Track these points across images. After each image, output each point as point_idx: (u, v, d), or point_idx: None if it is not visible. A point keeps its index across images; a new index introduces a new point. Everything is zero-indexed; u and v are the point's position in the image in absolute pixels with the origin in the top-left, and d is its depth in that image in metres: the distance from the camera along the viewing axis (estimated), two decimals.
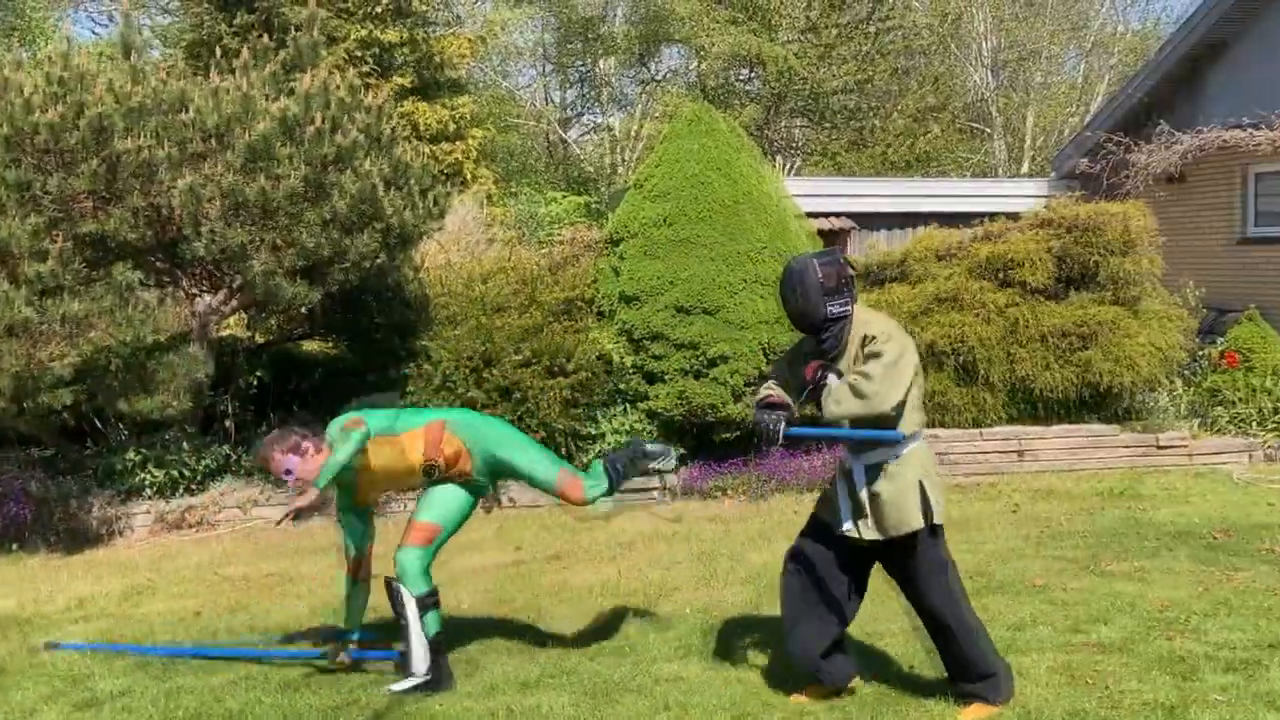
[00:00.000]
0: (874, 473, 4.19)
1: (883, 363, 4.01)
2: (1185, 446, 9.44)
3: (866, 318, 4.21)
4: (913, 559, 4.22)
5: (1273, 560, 6.26)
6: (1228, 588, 5.80)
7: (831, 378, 4.15)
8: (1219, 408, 9.93)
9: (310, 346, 9.86)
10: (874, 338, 4.08)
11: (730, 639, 5.20)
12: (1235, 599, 5.59)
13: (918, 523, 4.16)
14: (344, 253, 7.57)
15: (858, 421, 4.07)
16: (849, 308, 4.12)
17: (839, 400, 4.04)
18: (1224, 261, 13.06)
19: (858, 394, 4.00)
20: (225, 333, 9.31)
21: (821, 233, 11.08)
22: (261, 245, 7.34)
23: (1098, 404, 9.75)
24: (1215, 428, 9.79)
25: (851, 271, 4.14)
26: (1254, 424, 9.69)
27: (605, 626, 5.47)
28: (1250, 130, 12.24)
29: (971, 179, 23.52)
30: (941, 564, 4.27)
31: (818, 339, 4.17)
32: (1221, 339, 10.58)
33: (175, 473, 8.19)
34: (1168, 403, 9.89)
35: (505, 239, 10.85)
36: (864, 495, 4.20)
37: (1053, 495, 8.43)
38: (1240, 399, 9.88)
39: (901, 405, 4.06)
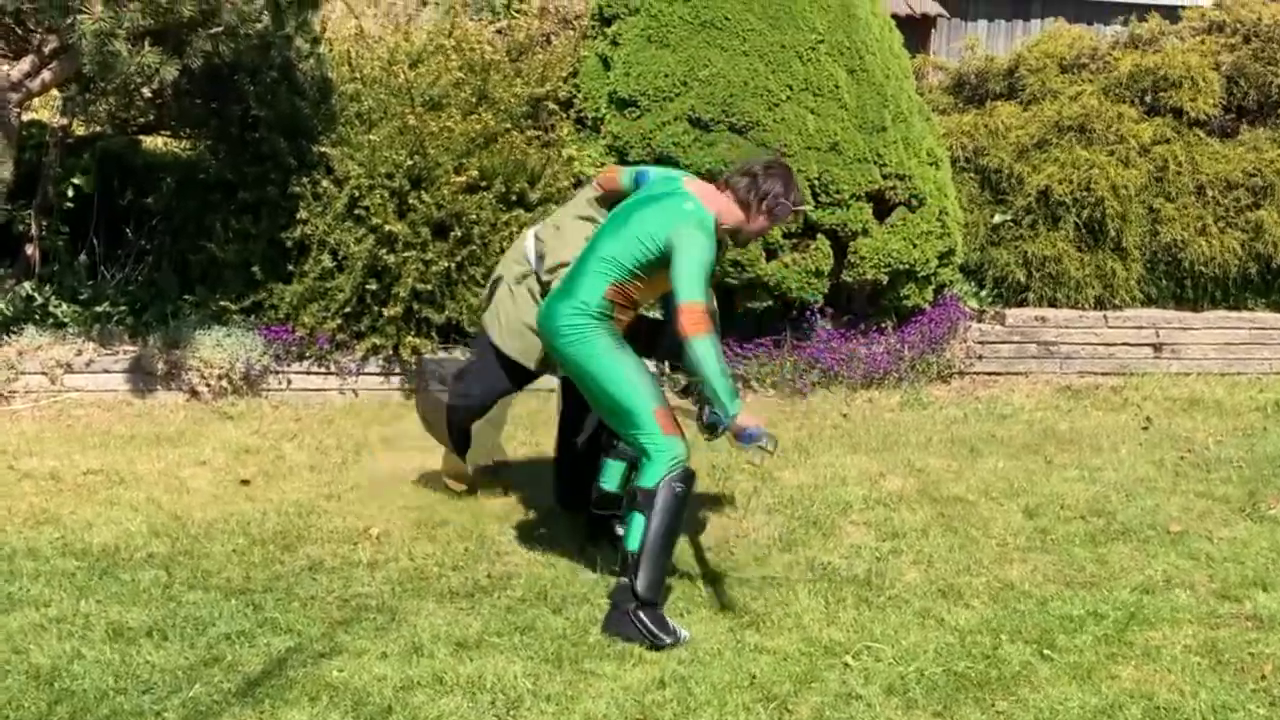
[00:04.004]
0: None
1: None
2: None
3: None
4: None
5: None
6: None
7: None
8: None
9: (155, 144, 9.58)
10: None
11: (752, 589, 5.20)
12: None
13: None
14: (215, 12, 7.29)
15: None
16: None
17: None
18: None
19: None
20: (29, 118, 8.98)
21: (899, 20, 10.80)
22: None
23: (1268, 285, 9.90)
24: None
25: None
26: None
27: (576, 566, 5.46)
28: None
29: None
30: None
31: None
32: None
33: None
34: None
35: (444, 3, 10.49)
36: None
37: (1199, 407, 8.54)
38: None
39: None
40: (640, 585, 4.67)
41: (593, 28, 9.37)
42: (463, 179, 8.32)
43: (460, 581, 5.28)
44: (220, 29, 7.45)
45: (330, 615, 4.89)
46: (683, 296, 4.71)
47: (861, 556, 5.62)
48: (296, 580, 5.25)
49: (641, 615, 4.64)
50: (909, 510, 6.24)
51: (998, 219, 9.67)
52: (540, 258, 5.71)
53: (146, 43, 7.18)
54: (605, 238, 5.02)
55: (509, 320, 5.79)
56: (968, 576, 5.37)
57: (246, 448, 7.09)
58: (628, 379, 4.84)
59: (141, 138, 9.48)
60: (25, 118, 8.71)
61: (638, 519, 4.74)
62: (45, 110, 9.45)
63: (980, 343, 9.23)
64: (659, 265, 4.88)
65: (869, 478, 6.75)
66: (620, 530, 5.29)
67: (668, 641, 4.60)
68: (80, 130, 9.14)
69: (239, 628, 4.72)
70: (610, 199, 5.47)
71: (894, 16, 10.02)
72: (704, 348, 4.68)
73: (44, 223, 8.58)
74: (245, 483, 6.51)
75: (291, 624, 4.77)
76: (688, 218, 4.87)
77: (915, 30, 13.02)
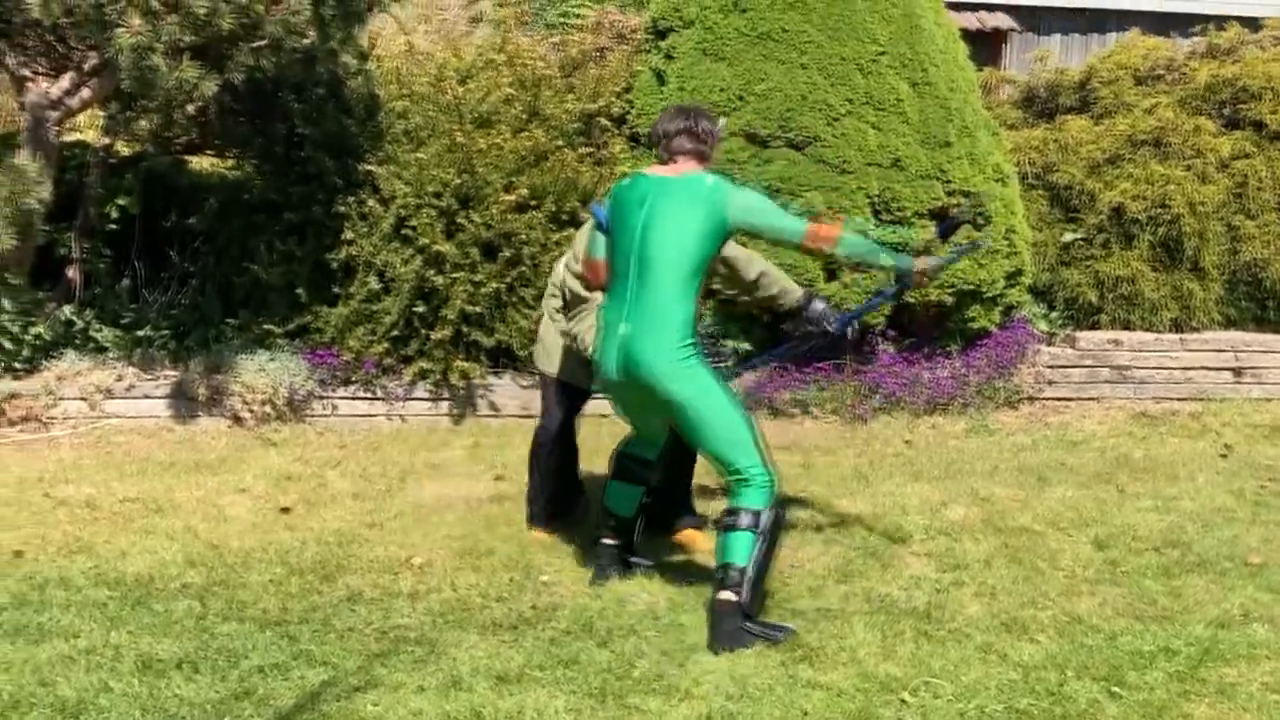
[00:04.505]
0: None
1: None
2: None
3: None
4: None
5: None
6: None
7: None
8: None
9: (200, 164, 9.68)
10: None
11: (806, 621, 5.13)
12: None
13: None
14: (257, 25, 7.37)
15: None
16: None
17: None
18: None
19: None
20: (71, 138, 9.08)
21: (968, 34, 10.80)
22: (132, 7, 7.10)
23: None
24: None
25: None
26: None
27: (624, 596, 5.41)
28: None
29: None
30: None
31: None
32: None
33: None
34: None
35: (497, 18, 10.56)
36: None
37: None
38: None
39: None
40: (746, 600, 4.91)
41: (647, 41, 9.41)
42: (512, 198, 8.35)
43: (504, 613, 5.25)
44: (263, 42, 7.52)
45: (368, 647, 4.87)
46: (798, 234, 5.14)
47: (921, 588, 5.54)
48: (334, 611, 5.24)
49: (750, 625, 4.89)
50: (972, 541, 6.16)
51: (1068, 237, 9.60)
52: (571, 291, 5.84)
53: (186, 58, 7.26)
54: (654, 258, 5.06)
55: (554, 348, 6.04)
56: (1033, 610, 5.28)
57: (288, 475, 7.12)
58: (736, 408, 5.11)
59: (186, 157, 9.58)
60: (69, 138, 8.83)
61: (745, 537, 4.97)
62: (90, 130, 9.57)
63: (1050, 367, 9.15)
64: (718, 248, 5.15)
65: (931, 507, 6.69)
66: (635, 561, 5.63)
67: (781, 637, 4.88)
68: (123, 150, 9.26)
69: (273, 660, 4.71)
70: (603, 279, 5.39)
71: (964, 31, 10.03)
72: (851, 239, 5.35)
73: (85, 245, 8.67)
74: (285, 511, 6.53)
75: (327, 656, 4.74)
76: (719, 188, 5.10)
77: (986, 45, 12.99)
